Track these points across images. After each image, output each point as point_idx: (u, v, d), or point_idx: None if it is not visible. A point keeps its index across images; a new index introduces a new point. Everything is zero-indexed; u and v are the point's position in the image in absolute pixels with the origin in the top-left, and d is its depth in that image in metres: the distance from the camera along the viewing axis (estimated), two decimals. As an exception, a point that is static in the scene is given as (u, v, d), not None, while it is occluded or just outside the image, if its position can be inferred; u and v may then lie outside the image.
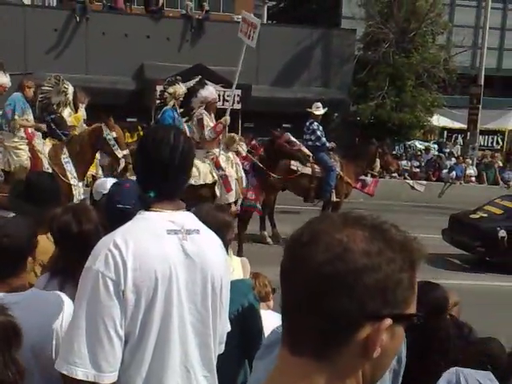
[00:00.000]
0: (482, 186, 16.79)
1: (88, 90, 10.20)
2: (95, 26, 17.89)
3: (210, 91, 7.97)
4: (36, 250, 2.13)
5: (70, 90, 8.20)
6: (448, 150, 19.36)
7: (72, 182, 7.35)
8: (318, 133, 9.98)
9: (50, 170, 7.10)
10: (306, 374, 0.85)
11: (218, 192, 7.70)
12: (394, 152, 18.01)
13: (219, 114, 8.13)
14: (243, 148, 8.54)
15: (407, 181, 16.21)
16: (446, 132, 21.90)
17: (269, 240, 9.44)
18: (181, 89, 8.35)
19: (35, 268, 2.57)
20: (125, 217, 1.93)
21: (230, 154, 7.98)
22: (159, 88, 9.47)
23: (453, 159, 18.09)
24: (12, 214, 2.72)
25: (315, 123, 10.08)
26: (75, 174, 7.45)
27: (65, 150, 7.53)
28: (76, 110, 8.98)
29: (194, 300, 1.81)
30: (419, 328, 2.50)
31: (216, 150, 7.81)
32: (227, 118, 7.77)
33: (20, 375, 1.68)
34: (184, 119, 8.32)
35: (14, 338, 1.69)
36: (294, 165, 9.15)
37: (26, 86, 7.62)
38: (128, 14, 19.57)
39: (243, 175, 8.02)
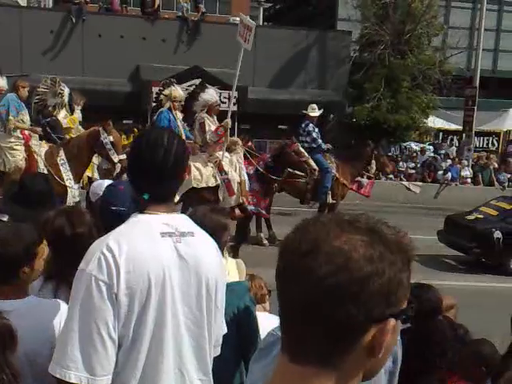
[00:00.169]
0: (477, 188, 16.81)
1: (84, 92, 10.18)
2: (91, 27, 17.86)
3: (210, 94, 7.97)
4: (38, 259, 2.04)
5: (66, 91, 8.20)
6: (443, 152, 19.36)
7: (67, 184, 7.34)
8: (314, 134, 9.98)
9: (46, 172, 7.09)
10: (311, 380, 0.84)
11: (220, 196, 7.73)
12: (389, 153, 18.05)
13: (219, 116, 8.13)
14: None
15: (403, 182, 16.21)
16: (441, 133, 21.91)
17: (265, 242, 9.44)
18: (176, 91, 8.35)
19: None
20: (119, 219, 1.92)
21: (234, 158, 7.99)
22: (155, 90, 9.47)
23: (448, 160, 18.10)
24: (6, 217, 2.71)
25: (311, 125, 10.07)
26: (71, 176, 7.45)
27: (61, 152, 7.53)
28: (72, 111, 8.98)
29: (189, 302, 1.79)
30: (414, 330, 2.51)
31: (219, 154, 7.81)
32: (228, 121, 7.76)
33: (15, 378, 1.68)
34: (188, 128, 8.26)
35: (9, 340, 1.69)
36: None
37: (20, 86, 7.60)
38: (124, 16, 19.56)
39: (246, 178, 8.03)
